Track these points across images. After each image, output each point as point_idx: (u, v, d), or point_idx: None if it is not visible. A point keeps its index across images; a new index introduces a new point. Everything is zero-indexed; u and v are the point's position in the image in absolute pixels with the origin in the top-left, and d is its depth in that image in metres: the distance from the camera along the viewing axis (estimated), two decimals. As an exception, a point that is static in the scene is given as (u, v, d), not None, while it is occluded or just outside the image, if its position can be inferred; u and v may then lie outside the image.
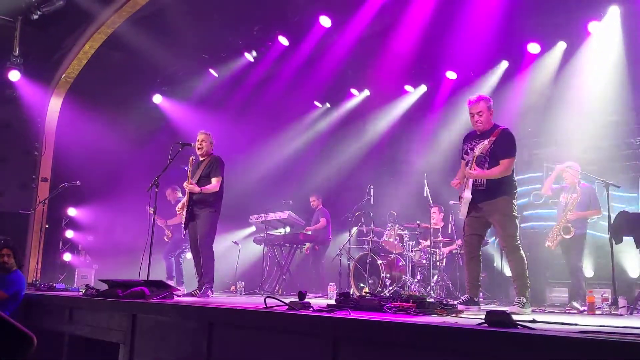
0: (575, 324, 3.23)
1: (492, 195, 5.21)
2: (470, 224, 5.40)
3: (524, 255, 5.16)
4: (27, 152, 10.17)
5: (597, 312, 5.83)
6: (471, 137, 5.52)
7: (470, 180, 5.26)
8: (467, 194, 5.26)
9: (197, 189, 6.72)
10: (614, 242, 6.37)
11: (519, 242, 5.17)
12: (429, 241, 8.31)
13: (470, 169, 5.24)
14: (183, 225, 7.00)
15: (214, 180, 6.77)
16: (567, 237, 7.10)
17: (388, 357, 2.92)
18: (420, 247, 8.54)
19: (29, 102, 9.96)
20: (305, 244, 10.01)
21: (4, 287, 6.23)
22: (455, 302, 4.87)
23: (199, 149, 6.99)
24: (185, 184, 6.85)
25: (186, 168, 6.93)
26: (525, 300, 5.00)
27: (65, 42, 10.21)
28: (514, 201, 5.27)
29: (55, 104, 10.70)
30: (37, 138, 10.40)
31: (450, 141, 9.48)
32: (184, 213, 6.89)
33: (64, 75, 10.49)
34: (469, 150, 5.42)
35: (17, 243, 6.97)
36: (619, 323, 4.01)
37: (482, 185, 5.25)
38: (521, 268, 5.10)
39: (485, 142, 5.14)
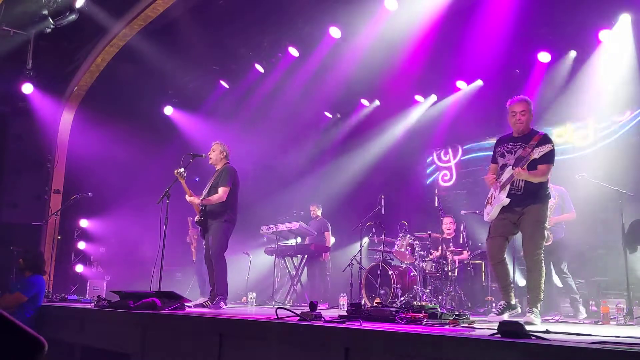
0: (590, 334, 3.19)
1: (528, 201, 5.10)
2: (498, 224, 5.28)
3: (544, 268, 5.09)
4: (40, 164, 10.26)
5: (611, 322, 5.77)
6: (506, 140, 5.40)
7: (508, 184, 5.15)
8: (503, 196, 5.13)
9: (196, 200, 6.74)
10: (628, 251, 6.30)
11: (542, 254, 5.08)
12: (440, 251, 8.27)
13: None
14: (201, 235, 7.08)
15: (220, 190, 6.73)
16: (546, 244, 6.88)
17: (400, 368, 2.89)
18: (431, 257, 8.50)
19: (41, 115, 10.07)
20: (316, 254, 9.96)
21: (23, 290, 6.31)
22: (481, 311, 4.79)
23: (209, 158, 7.03)
24: (186, 196, 6.85)
25: (197, 179, 6.94)
26: (537, 311, 4.96)
27: (78, 55, 10.33)
28: (546, 209, 5.19)
29: (67, 116, 10.82)
30: (50, 150, 10.51)
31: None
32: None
33: (76, 87, 10.60)
34: (505, 153, 5.31)
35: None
36: (634, 333, 3.95)
37: (520, 190, 5.12)
38: (538, 280, 5.03)
39: (535, 152, 4.96)
